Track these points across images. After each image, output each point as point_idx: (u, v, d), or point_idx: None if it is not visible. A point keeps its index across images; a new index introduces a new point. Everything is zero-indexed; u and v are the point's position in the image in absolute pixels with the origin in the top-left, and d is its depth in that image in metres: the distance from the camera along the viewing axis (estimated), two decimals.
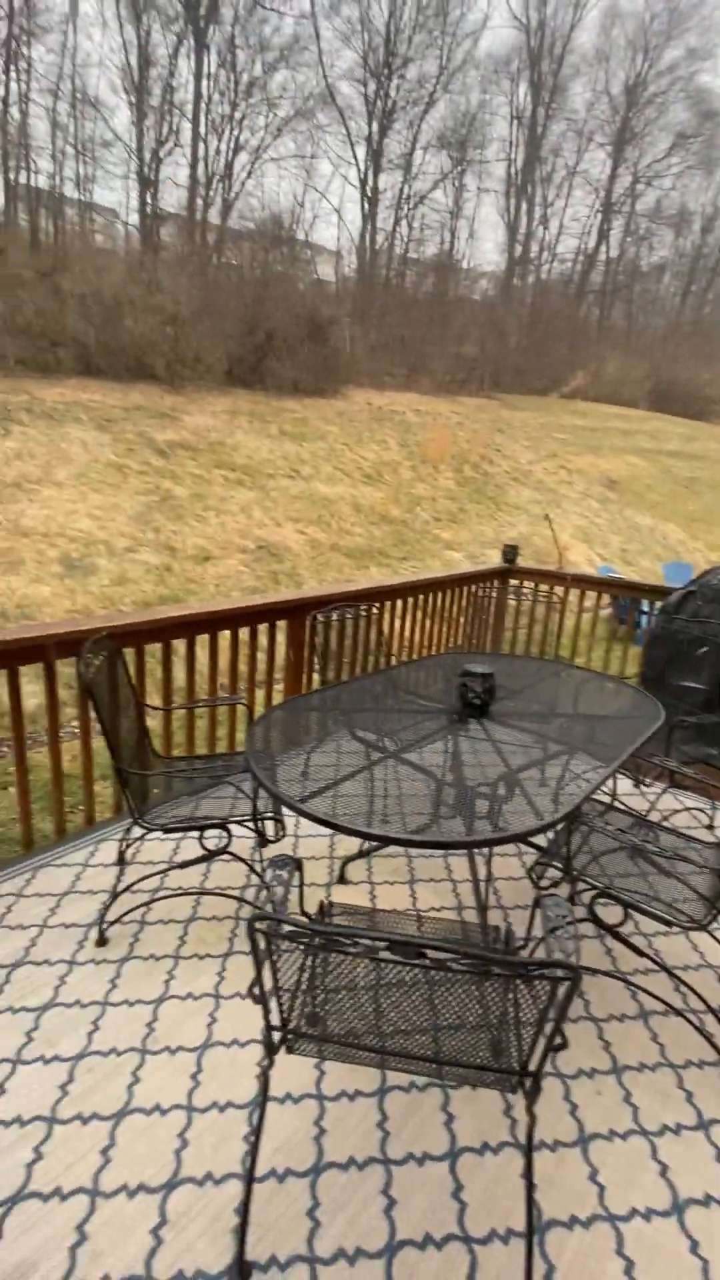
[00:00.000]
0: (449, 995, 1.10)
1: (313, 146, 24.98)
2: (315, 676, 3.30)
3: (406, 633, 4.08)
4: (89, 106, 19.75)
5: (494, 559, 4.83)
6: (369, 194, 26.33)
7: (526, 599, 4.62)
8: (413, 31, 25.72)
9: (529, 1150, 1.18)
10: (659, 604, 3.77)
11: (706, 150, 33.11)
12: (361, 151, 26.22)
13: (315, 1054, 1.23)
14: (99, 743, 2.48)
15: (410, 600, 4.03)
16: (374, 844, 2.55)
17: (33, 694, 2.73)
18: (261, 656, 3.17)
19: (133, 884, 2.22)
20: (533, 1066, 1.09)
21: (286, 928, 0.98)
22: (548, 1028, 1.03)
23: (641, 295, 35.28)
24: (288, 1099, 1.54)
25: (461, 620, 4.62)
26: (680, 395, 25.84)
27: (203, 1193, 1.34)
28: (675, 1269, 1.27)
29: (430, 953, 0.89)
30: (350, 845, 2.57)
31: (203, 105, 21.99)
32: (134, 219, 21.50)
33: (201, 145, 22.20)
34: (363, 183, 26.41)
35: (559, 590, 4.49)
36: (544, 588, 4.53)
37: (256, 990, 1.10)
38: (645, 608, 5.95)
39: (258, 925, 0.97)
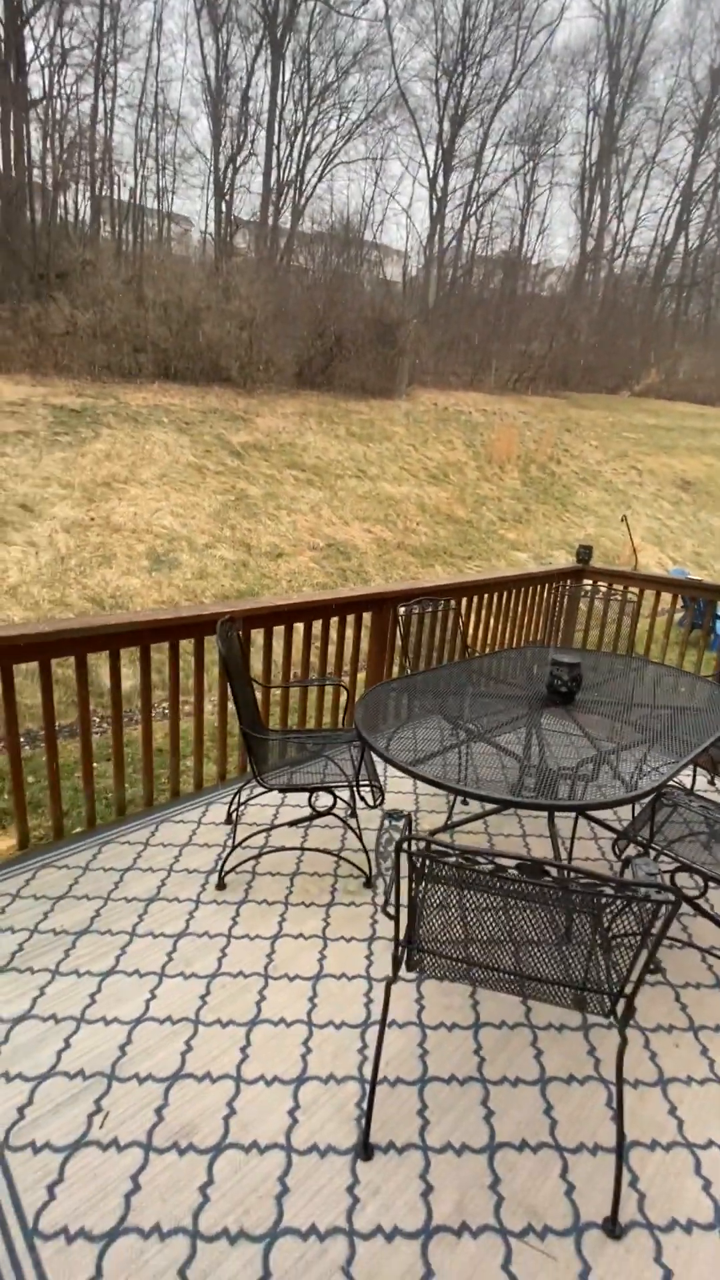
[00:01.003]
0: (528, 918, 1.28)
1: (383, 148, 25.18)
2: (396, 666, 3.52)
3: (479, 630, 4.23)
4: (171, 120, 20.64)
5: (560, 560, 4.93)
6: (438, 194, 26.35)
7: (600, 599, 4.68)
8: (488, 28, 25.56)
9: (620, 1068, 1.36)
10: None
11: None
12: (432, 151, 26.26)
13: (432, 971, 1.44)
14: (206, 717, 2.76)
15: (484, 597, 4.19)
16: (456, 819, 2.74)
17: (126, 676, 2.92)
18: (347, 644, 3.41)
19: (243, 841, 2.50)
20: (628, 990, 1.27)
21: (432, 847, 1.19)
22: (643, 954, 1.20)
23: None
24: (393, 1024, 1.75)
25: (529, 620, 4.73)
26: None
27: (327, 1089, 1.57)
28: None
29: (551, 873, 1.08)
30: (435, 821, 2.77)
31: (278, 114, 22.60)
32: (210, 227, 22.31)
33: (275, 153, 22.83)
34: (432, 182, 26.43)
35: (634, 591, 4.54)
36: (618, 588, 4.59)
37: (390, 909, 1.32)
38: None
39: (403, 845, 1.19)
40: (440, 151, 26.23)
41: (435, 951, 1.40)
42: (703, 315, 33.03)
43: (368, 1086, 1.55)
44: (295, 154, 23.45)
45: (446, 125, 25.92)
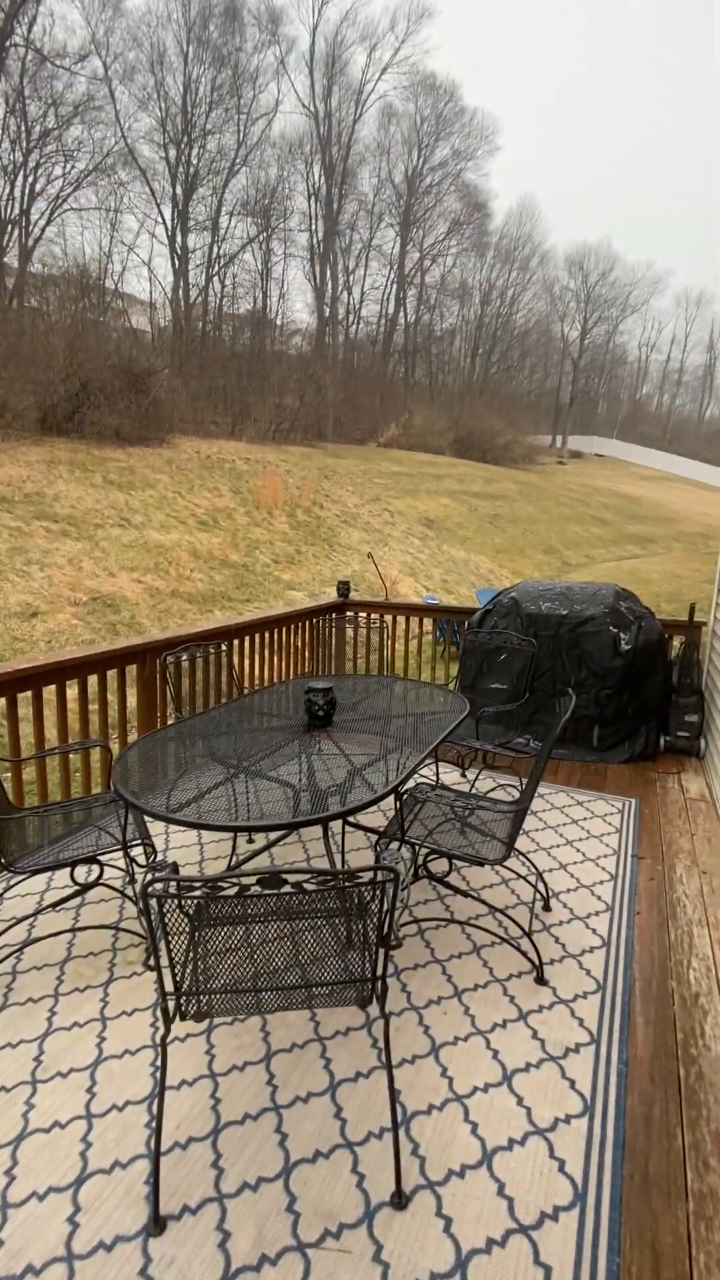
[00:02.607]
0: (309, 937, 1.39)
1: (115, 201, 25.00)
2: (171, 716, 3.44)
3: (257, 667, 4.34)
4: None
5: (334, 595, 5.30)
6: (179, 251, 26.96)
7: (362, 628, 5.14)
8: (209, 106, 27.21)
9: (388, 1048, 1.50)
10: (467, 622, 4.47)
11: (477, 236, 38.81)
12: (168, 211, 26.87)
13: (205, 1009, 1.44)
14: None
15: (257, 637, 4.32)
16: (240, 857, 2.75)
17: None
18: (113, 701, 3.25)
19: None
20: (378, 971, 1.42)
21: (175, 885, 1.21)
22: (383, 930, 1.36)
23: (438, 356, 39.85)
24: (183, 1084, 1.70)
25: (306, 652, 5.00)
26: (478, 444, 29.41)
27: (112, 1178, 1.46)
28: (507, 1120, 1.65)
29: (290, 878, 1.18)
30: (220, 865, 2.75)
31: None
32: None
33: None
34: (171, 239, 27.00)
35: (388, 617, 5.06)
36: (375, 617, 5.08)
37: (152, 961, 1.30)
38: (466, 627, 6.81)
39: (151, 889, 1.19)
40: (176, 212, 26.95)
41: (219, 990, 1.41)
42: (427, 378, 38.51)
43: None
44: (18, 193, 22.18)
45: (179, 189, 26.77)
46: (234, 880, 1.19)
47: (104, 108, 24.15)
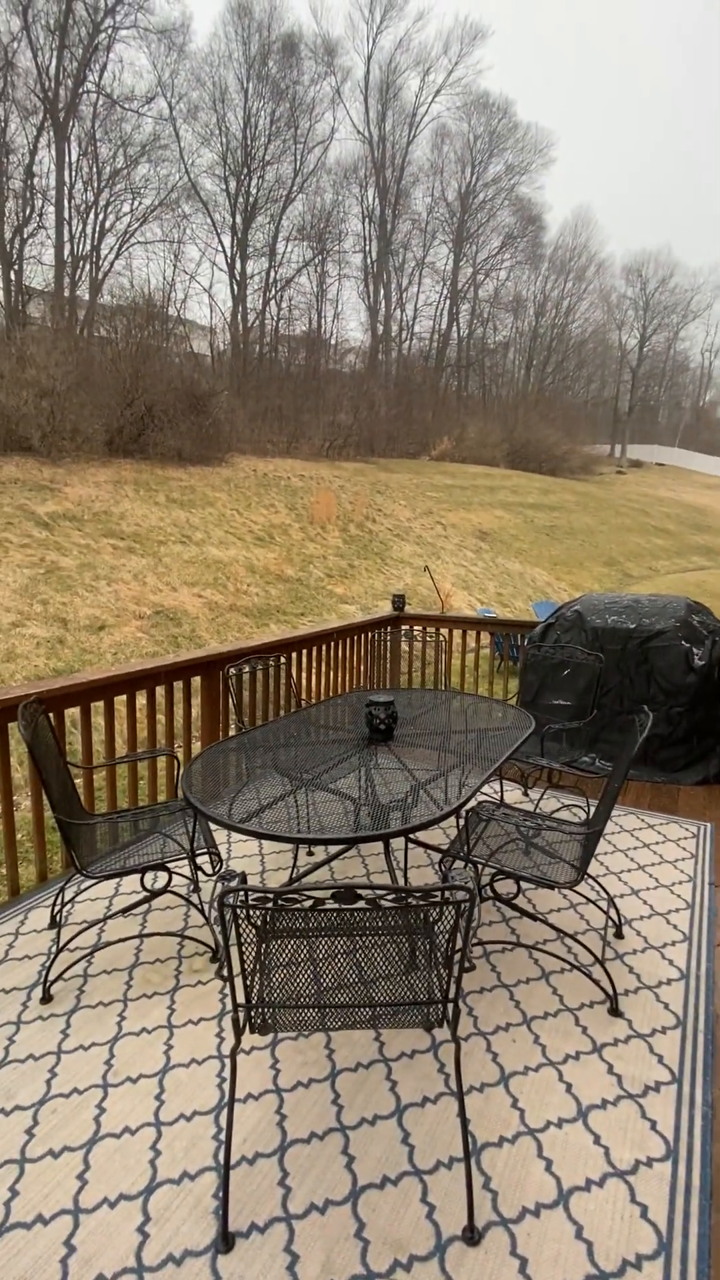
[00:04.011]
0: (375, 954, 1.36)
1: (179, 233, 26.19)
2: (232, 727, 3.50)
3: (313, 680, 4.37)
4: None
5: (386, 609, 5.31)
6: (237, 278, 27.94)
7: (417, 641, 5.11)
8: (268, 139, 28.24)
9: (459, 1074, 1.45)
10: (527, 637, 4.37)
11: (531, 248, 38.63)
12: (228, 240, 27.94)
13: (285, 1025, 1.43)
14: (18, 817, 2.52)
15: (314, 650, 4.35)
16: (300, 869, 2.75)
17: None
18: (177, 712, 3.33)
19: (69, 942, 2.27)
20: (450, 994, 1.38)
21: (253, 895, 1.22)
22: (455, 953, 1.32)
23: (491, 369, 39.66)
24: (249, 1098, 1.69)
25: (361, 666, 5.00)
26: (533, 454, 28.99)
27: (181, 1189, 1.47)
28: (584, 1159, 1.56)
29: (363, 894, 1.17)
30: (281, 877, 2.76)
31: (66, 191, 22.63)
32: None
33: (67, 228, 22.72)
34: (230, 266, 28.03)
35: (444, 631, 5.02)
36: (431, 630, 5.05)
37: (225, 972, 1.31)
38: (525, 641, 6.68)
39: (228, 899, 1.20)
40: (235, 240, 27.99)
41: (284, 1004, 1.40)
42: (480, 391, 38.35)
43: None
44: (89, 230, 23.55)
45: (239, 219, 27.81)
46: (309, 894, 1.18)
47: (169, 146, 25.43)
